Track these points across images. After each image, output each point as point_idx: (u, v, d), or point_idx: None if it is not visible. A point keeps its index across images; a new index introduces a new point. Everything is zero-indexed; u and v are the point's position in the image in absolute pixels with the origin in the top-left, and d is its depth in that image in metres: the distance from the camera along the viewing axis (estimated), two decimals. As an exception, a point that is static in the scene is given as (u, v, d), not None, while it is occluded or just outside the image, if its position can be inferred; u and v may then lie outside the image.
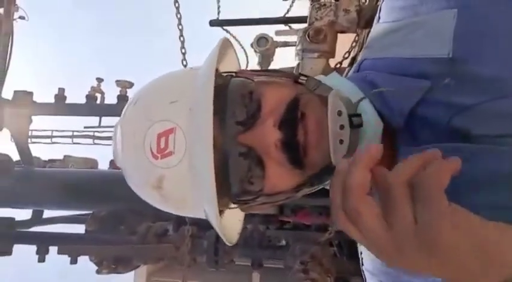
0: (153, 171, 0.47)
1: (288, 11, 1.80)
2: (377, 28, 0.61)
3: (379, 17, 0.62)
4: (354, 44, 1.17)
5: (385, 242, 0.36)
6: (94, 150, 2.19)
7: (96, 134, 2.08)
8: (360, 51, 1.45)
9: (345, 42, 1.29)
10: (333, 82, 0.54)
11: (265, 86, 0.51)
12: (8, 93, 2.02)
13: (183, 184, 0.47)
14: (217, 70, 0.52)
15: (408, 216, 0.35)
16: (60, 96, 2.12)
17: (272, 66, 1.46)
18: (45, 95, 2.20)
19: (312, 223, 1.74)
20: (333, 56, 1.06)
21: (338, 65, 1.20)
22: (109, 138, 2.06)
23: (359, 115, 0.48)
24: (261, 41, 1.33)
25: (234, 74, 0.54)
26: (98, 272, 1.72)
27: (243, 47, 1.82)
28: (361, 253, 0.66)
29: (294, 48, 1.26)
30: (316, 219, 1.71)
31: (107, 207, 1.95)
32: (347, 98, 0.50)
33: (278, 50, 1.48)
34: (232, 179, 0.48)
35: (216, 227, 0.48)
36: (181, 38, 1.34)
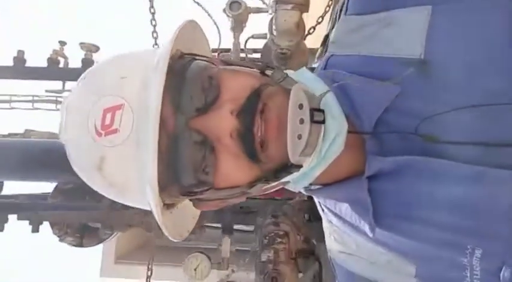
0: (96, 149, 0.44)
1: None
2: (345, 21, 0.58)
3: (346, 9, 0.58)
4: (327, 8, 1.16)
5: None
6: (57, 117, 2.09)
7: (60, 99, 1.98)
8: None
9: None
10: (302, 77, 0.51)
11: (228, 73, 0.48)
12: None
13: (126, 166, 0.44)
14: (182, 53, 0.49)
15: None
16: (20, 58, 2.00)
17: (245, 33, 1.43)
18: (2, 59, 2.07)
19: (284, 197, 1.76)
20: (307, 10, 1.04)
21: (312, 30, 1.20)
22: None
23: (322, 111, 0.46)
24: (234, 5, 1.30)
25: (197, 56, 0.51)
26: (60, 239, 1.68)
27: (213, 20, 1.77)
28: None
29: (266, 14, 1.23)
30: (289, 194, 1.74)
31: (71, 179, 1.90)
32: (312, 93, 0.48)
33: (251, 17, 1.45)
34: (180, 166, 0.44)
35: (157, 218, 0.45)
36: (152, 10, 1.30)
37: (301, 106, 0.44)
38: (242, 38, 1.37)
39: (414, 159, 0.46)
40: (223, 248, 1.40)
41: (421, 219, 0.47)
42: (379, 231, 0.50)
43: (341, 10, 0.60)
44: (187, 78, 0.45)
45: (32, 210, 1.62)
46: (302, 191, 0.57)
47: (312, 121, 0.44)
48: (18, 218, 1.62)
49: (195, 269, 1.32)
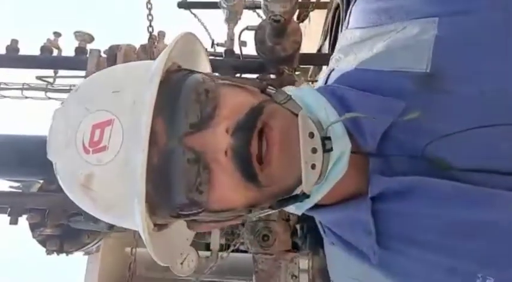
0: (83, 166, 0.42)
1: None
2: (346, 35, 0.56)
3: (348, 22, 0.57)
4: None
5: None
6: (47, 106, 2.08)
7: (50, 87, 1.97)
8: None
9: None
10: (304, 97, 0.49)
11: (226, 88, 0.47)
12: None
13: (113, 186, 0.42)
14: (178, 66, 0.48)
15: None
16: (13, 47, 2.00)
17: (238, 26, 1.45)
18: (-5, 47, 2.05)
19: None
20: None
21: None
22: (64, 90, 1.96)
23: (329, 138, 0.44)
24: (229, -4, 1.32)
25: (194, 71, 0.49)
26: (39, 241, 1.63)
27: (207, 31, 1.79)
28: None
29: (261, 11, 1.26)
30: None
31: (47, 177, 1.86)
32: (317, 119, 0.46)
33: (246, 13, 1.47)
34: (171, 185, 0.42)
35: (145, 241, 0.42)
36: (150, 17, 1.31)
37: (311, 135, 0.43)
38: (236, 30, 1.39)
39: (421, 180, 0.44)
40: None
41: (427, 243, 0.45)
42: (383, 254, 0.47)
43: (339, 24, 0.58)
44: (183, 92, 0.43)
45: (12, 197, 1.58)
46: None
47: (324, 151, 0.43)
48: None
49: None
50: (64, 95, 1.93)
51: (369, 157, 0.48)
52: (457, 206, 0.43)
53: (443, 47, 0.45)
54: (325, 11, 1.97)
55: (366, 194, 0.47)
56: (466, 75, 0.44)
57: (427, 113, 0.43)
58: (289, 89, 0.51)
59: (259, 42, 1.24)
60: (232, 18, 1.31)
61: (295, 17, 1.56)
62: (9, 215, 1.56)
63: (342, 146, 0.46)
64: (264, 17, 1.32)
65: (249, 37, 1.41)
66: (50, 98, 1.99)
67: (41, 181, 1.82)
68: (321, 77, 0.60)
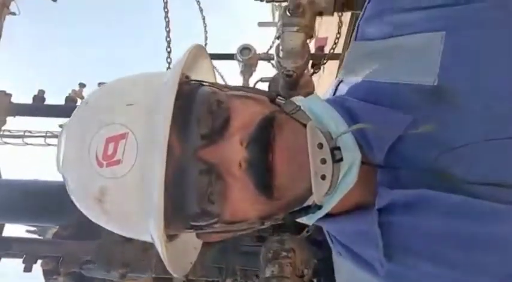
0: (96, 180, 0.42)
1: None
2: (355, 47, 0.57)
3: (356, 35, 0.58)
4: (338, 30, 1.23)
5: None
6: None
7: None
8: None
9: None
10: (313, 107, 0.50)
11: (237, 99, 0.47)
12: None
13: (128, 199, 0.42)
14: (187, 78, 0.49)
15: None
16: (39, 97, 2.10)
17: (253, 77, 1.51)
18: (24, 97, 2.17)
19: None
20: (311, 34, 1.12)
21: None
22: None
23: (339, 148, 0.45)
24: (244, 51, 1.39)
25: (204, 83, 0.49)
26: None
27: (224, 81, 1.86)
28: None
29: (274, 62, 1.31)
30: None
31: (74, 220, 1.87)
32: (327, 129, 0.46)
33: (261, 63, 1.53)
34: (187, 198, 0.42)
35: (160, 252, 0.42)
36: (168, 60, 1.38)
37: (320, 145, 0.43)
38: (251, 81, 1.44)
39: (429, 193, 0.44)
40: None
41: (435, 256, 0.44)
42: (390, 266, 0.47)
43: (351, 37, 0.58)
44: (195, 104, 0.44)
45: (27, 244, 1.58)
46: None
47: (334, 161, 0.43)
48: (11, 255, 1.57)
49: None
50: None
51: (377, 169, 0.47)
52: (464, 219, 0.42)
53: (451, 61, 0.45)
54: (338, 61, 2.03)
55: (373, 206, 0.47)
56: (473, 89, 0.44)
57: (434, 126, 0.43)
58: (298, 99, 0.51)
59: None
60: (247, 71, 1.37)
61: (309, 66, 1.61)
62: (23, 262, 1.56)
63: (352, 156, 0.46)
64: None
65: (263, 87, 1.46)
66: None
67: (57, 226, 1.83)
68: (329, 89, 0.61)
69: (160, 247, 0.41)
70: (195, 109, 0.43)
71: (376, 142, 0.47)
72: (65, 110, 1.93)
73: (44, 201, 1.82)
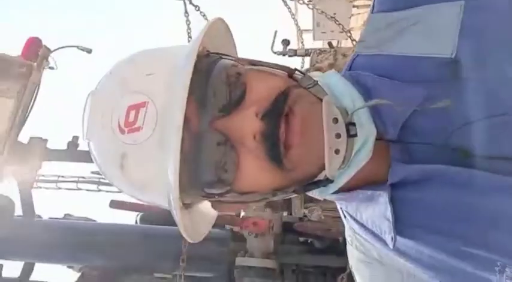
0: (118, 146, 0.43)
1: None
2: (371, 20, 0.55)
3: (373, 6, 0.56)
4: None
5: None
6: (98, 197, 2.18)
7: (102, 180, 2.08)
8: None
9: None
10: (331, 82, 0.50)
11: (254, 73, 0.47)
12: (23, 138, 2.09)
13: (147, 164, 0.44)
14: (208, 51, 0.49)
15: None
16: (73, 143, 2.20)
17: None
18: (59, 142, 2.26)
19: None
20: None
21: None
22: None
23: (354, 123, 0.45)
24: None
25: (224, 56, 0.50)
26: None
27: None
28: None
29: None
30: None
31: (103, 262, 1.88)
32: (342, 104, 0.47)
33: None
34: (201, 166, 0.44)
35: (175, 218, 0.44)
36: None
37: (335, 120, 0.43)
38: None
39: (442, 168, 0.44)
40: None
41: (447, 231, 0.44)
42: (401, 240, 0.47)
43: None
44: (213, 77, 0.44)
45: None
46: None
47: (349, 136, 0.44)
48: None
49: None
50: (113, 188, 2.03)
51: (390, 144, 0.47)
52: (475, 194, 0.42)
53: (469, 33, 0.44)
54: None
55: (385, 181, 0.47)
56: (491, 62, 0.43)
57: (450, 100, 0.43)
58: (316, 75, 0.52)
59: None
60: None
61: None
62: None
63: (366, 132, 0.45)
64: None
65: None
66: (100, 191, 2.10)
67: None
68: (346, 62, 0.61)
69: (175, 211, 0.43)
70: (213, 81, 0.44)
71: (390, 117, 0.47)
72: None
73: (73, 242, 1.86)
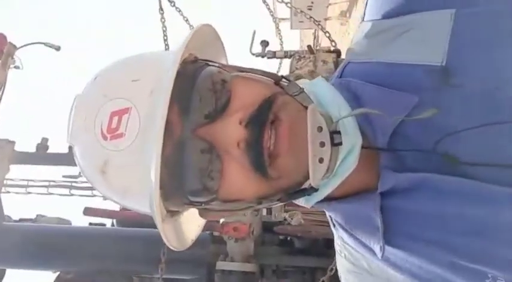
0: (100, 152, 0.43)
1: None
2: (362, 27, 0.55)
3: (364, 14, 0.57)
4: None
5: None
6: (70, 202, 2.11)
7: (74, 184, 2.01)
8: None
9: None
10: (317, 90, 0.50)
11: (240, 79, 0.47)
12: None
13: (129, 171, 0.43)
14: (195, 57, 0.49)
15: None
16: (43, 145, 2.10)
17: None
18: (27, 145, 2.17)
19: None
20: None
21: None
22: (87, 188, 2.00)
23: (339, 132, 0.45)
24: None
25: (210, 62, 0.50)
26: None
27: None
28: None
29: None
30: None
31: (78, 267, 1.84)
32: (327, 112, 0.47)
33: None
34: (184, 173, 0.43)
35: (158, 226, 0.44)
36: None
37: (320, 129, 0.43)
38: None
39: (432, 177, 0.44)
40: None
41: (436, 241, 0.44)
42: (390, 250, 0.47)
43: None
44: (198, 83, 0.44)
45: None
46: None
47: (333, 144, 0.43)
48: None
49: None
50: (85, 192, 1.97)
51: (379, 152, 0.47)
52: (463, 203, 0.42)
53: (460, 41, 0.44)
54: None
55: (375, 190, 0.47)
56: (481, 71, 0.43)
57: (439, 108, 0.43)
58: (302, 82, 0.51)
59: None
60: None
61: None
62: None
63: (352, 140, 0.45)
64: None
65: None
66: (73, 195, 2.02)
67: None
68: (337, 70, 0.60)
69: (156, 221, 0.43)
70: (198, 87, 0.44)
71: (379, 125, 0.47)
72: (68, 158, 1.91)
73: (46, 246, 1.80)
